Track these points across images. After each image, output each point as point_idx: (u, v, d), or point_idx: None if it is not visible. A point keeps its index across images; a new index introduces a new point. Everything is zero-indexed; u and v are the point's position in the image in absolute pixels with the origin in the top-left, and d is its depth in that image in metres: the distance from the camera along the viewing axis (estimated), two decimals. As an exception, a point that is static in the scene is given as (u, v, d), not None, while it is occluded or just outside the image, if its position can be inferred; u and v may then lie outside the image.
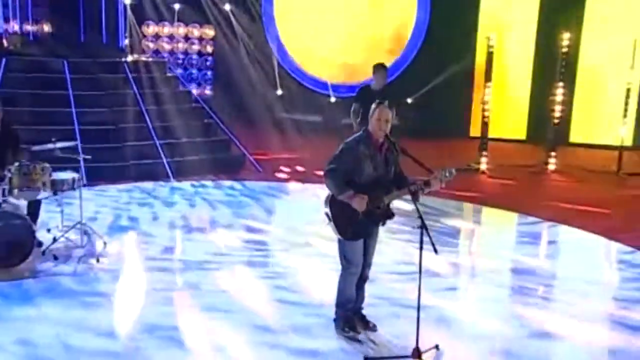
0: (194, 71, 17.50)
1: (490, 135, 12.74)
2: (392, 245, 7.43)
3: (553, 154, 12.61)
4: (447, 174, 4.82)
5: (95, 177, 10.20)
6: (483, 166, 12.12)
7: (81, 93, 11.48)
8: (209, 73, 17.63)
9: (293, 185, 10.89)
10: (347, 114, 8.97)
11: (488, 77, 12.36)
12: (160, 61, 14.22)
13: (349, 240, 5.07)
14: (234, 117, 14.61)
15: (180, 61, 17.29)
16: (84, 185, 9.88)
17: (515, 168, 12.49)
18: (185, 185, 10.67)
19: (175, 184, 10.69)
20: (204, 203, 9.69)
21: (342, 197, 4.87)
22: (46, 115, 11.04)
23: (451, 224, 8.87)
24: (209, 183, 10.93)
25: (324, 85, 16.98)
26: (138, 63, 13.00)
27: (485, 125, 12.49)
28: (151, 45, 16.80)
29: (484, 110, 12.49)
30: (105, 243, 7.30)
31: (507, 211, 9.65)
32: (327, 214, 5.05)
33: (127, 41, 14.33)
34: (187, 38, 17.35)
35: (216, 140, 12.60)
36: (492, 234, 9.00)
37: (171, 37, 17.16)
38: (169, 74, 13.86)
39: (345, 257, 5.15)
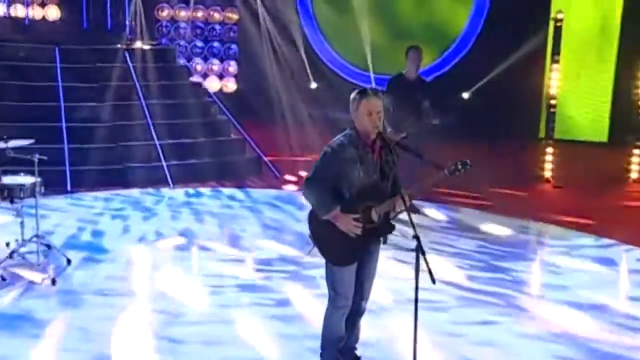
0: (216, 61, 17.22)
1: (565, 136, 11.97)
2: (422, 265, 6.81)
3: (637, 159, 11.71)
4: (460, 167, 4.39)
5: (81, 182, 10.02)
6: (547, 173, 11.48)
7: (72, 85, 11.36)
8: (233, 64, 17.31)
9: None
10: None
11: (555, 56, 11.56)
12: (167, 49, 14.04)
13: (337, 265, 4.57)
14: (256, 114, 14.27)
15: (199, 50, 17.07)
16: (68, 192, 9.81)
17: (588, 175, 11.77)
18: (178, 193, 10.35)
19: (167, 191, 10.38)
20: (191, 216, 9.29)
21: (327, 217, 4.44)
22: (30, 109, 10.92)
23: (502, 245, 8.26)
24: (206, 191, 10.57)
25: (365, 77, 16.46)
26: (141, 51, 12.80)
27: (551, 120, 11.81)
28: (165, 31, 16.62)
29: (550, 105, 11.71)
30: (69, 261, 7.00)
31: (573, 230, 8.96)
32: (309, 236, 4.63)
33: (133, 25, 14.17)
34: (207, 23, 17.10)
35: (231, 141, 12.32)
36: (553, 258, 8.22)
37: (188, 22, 16.93)
38: (180, 62, 13.66)
39: (332, 287, 4.64)
